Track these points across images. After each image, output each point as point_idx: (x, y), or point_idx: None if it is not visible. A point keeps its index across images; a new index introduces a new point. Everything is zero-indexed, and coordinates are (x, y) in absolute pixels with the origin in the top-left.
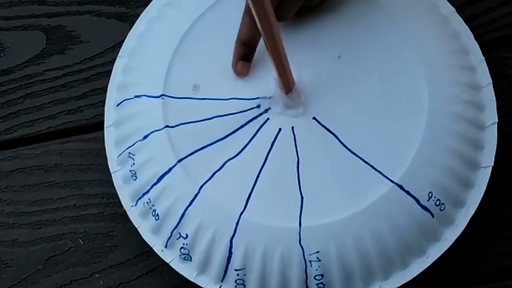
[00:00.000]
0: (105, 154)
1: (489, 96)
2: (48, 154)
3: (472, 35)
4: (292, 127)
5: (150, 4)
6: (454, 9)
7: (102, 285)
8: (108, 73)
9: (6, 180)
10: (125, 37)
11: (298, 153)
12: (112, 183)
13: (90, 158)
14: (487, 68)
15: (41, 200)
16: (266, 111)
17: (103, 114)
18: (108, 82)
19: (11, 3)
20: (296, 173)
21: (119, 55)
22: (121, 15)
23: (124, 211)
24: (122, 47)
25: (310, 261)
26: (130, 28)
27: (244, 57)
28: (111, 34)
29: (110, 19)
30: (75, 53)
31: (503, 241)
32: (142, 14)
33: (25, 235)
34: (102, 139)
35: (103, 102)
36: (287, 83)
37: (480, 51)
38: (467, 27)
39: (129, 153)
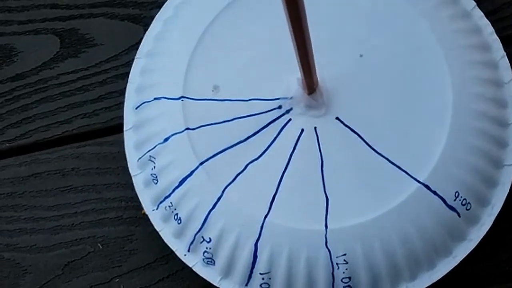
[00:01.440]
0: (123, 158)
1: (511, 92)
2: (64, 159)
3: (492, 29)
4: (315, 128)
5: (165, 4)
6: (475, 3)
7: None
8: (124, 75)
9: (23, 186)
10: (140, 39)
11: (322, 154)
12: (131, 186)
13: (108, 162)
14: (509, 64)
15: (58, 205)
16: (287, 111)
17: (119, 117)
18: (123, 85)
19: (23, 7)
20: (321, 174)
21: (136, 56)
22: (135, 17)
23: (144, 213)
24: (139, 48)
25: (337, 263)
26: (144, 30)
27: None
28: (125, 37)
29: (123, 21)
30: (90, 56)
31: None
32: (157, 15)
33: (43, 241)
34: (119, 143)
35: (119, 105)
36: (311, 83)
37: (501, 46)
38: (488, 21)
39: (150, 156)
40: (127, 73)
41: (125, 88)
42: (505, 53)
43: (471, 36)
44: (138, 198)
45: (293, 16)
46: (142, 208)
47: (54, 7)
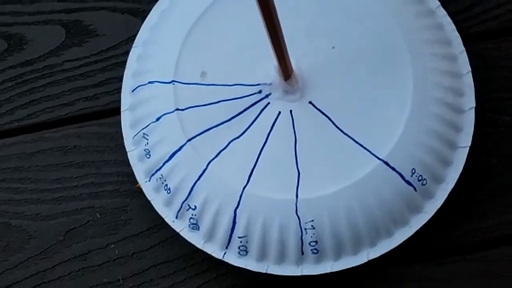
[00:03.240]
0: (119, 137)
1: (468, 83)
2: (67, 137)
3: (454, 27)
4: (291, 111)
5: None
6: (439, 3)
7: (117, 255)
8: (122, 63)
9: (30, 161)
10: (138, 31)
11: (296, 133)
12: (126, 163)
13: (106, 141)
14: (467, 58)
15: (61, 178)
16: (267, 96)
17: (117, 101)
18: (122, 72)
19: (33, 0)
20: (294, 152)
21: (133, 45)
22: (134, 10)
23: (138, 187)
24: (137, 37)
25: (305, 229)
26: (142, 22)
27: None
28: (125, 28)
29: (124, 14)
30: (92, 46)
31: (481, 215)
32: (155, 6)
33: (47, 210)
34: (116, 124)
35: (117, 90)
36: (286, 70)
37: (461, 42)
38: (450, 20)
39: (143, 133)
40: (126, 61)
41: (123, 74)
42: (464, 48)
43: (434, 32)
44: (133, 174)
45: (263, 6)
46: (136, 183)
47: (61, 1)
